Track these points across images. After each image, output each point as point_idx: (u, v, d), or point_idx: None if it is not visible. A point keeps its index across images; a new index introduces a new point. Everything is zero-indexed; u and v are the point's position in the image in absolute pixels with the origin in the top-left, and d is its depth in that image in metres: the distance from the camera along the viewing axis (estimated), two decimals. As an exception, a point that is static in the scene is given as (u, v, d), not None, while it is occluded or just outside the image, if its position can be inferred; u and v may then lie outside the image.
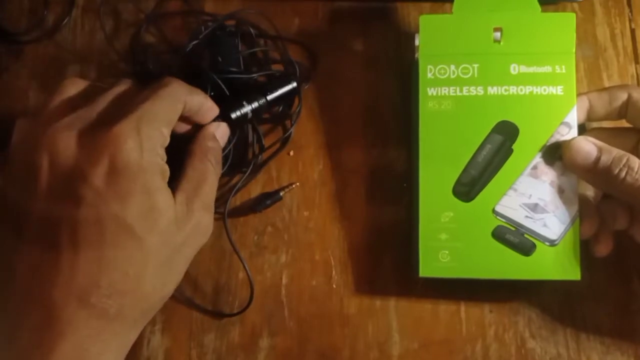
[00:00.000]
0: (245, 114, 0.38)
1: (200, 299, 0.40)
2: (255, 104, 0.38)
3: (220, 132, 0.36)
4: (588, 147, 0.35)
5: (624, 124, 0.38)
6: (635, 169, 0.34)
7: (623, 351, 0.39)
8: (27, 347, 0.28)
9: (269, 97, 0.39)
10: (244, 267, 0.40)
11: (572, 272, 0.36)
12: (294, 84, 0.40)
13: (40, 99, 0.43)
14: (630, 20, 0.44)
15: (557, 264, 0.36)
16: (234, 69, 0.40)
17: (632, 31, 0.44)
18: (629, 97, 0.37)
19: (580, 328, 0.39)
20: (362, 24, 0.44)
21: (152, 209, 0.30)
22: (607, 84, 0.43)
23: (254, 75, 0.40)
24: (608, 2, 0.44)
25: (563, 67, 0.37)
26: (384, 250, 0.40)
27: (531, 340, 0.39)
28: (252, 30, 0.42)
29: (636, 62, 0.43)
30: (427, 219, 0.37)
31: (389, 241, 0.41)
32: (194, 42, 0.41)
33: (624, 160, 0.34)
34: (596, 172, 0.35)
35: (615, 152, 0.35)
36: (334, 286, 0.40)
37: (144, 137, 0.30)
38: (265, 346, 0.39)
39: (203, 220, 0.33)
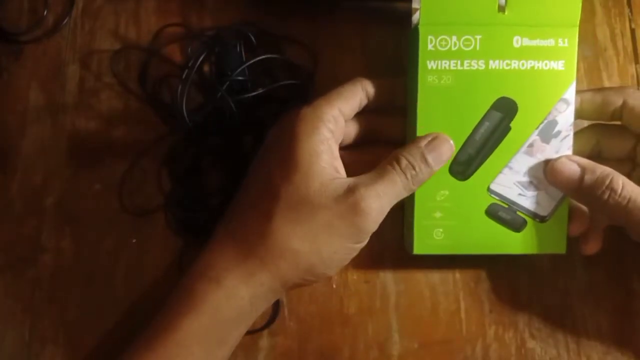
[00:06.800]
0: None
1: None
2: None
3: (435, 155, 0.35)
4: (572, 167, 0.35)
5: None
6: (618, 192, 0.34)
7: (623, 351, 0.39)
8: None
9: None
10: None
11: (558, 246, 0.37)
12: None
13: (40, 99, 0.43)
14: (630, 20, 0.44)
15: (544, 238, 0.37)
16: (240, 78, 0.40)
17: (632, 31, 0.44)
18: (624, 103, 0.36)
19: (580, 328, 0.39)
20: (362, 24, 0.44)
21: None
22: (606, 84, 0.43)
23: (261, 91, 0.40)
24: (608, 2, 0.44)
25: (566, 40, 0.36)
26: (384, 249, 0.41)
27: (531, 340, 0.39)
28: (252, 37, 0.42)
29: (636, 62, 0.43)
30: (422, 198, 0.37)
31: (389, 240, 0.40)
32: (199, 62, 0.40)
33: (607, 182, 0.34)
34: (581, 192, 0.35)
35: (599, 171, 0.34)
36: (334, 286, 0.40)
37: None
38: (265, 346, 0.39)
39: (357, 208, 0.33)
